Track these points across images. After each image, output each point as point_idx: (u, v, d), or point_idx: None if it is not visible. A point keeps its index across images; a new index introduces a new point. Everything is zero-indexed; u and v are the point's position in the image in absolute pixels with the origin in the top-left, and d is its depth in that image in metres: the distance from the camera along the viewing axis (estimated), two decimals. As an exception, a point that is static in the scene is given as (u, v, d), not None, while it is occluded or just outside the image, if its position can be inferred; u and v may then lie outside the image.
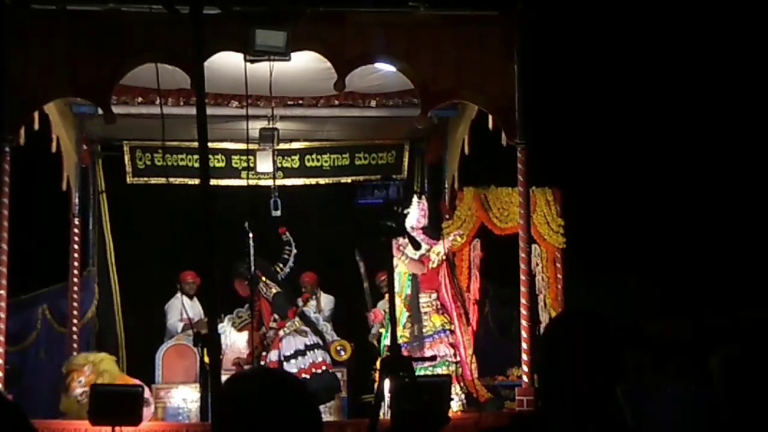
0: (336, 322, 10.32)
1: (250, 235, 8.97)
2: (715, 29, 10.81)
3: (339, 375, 9.45)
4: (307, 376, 8.77)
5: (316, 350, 9.13)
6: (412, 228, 8.70)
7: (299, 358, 9.03)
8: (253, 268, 8.99)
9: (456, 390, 8.57)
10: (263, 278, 9.22)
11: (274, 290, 9.24)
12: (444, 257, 8.88)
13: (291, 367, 8.79)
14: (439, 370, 8.55)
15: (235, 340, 9.85)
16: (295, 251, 9.49)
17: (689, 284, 10.54)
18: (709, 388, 2.74)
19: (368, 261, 9.94)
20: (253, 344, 9.11)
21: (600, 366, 2.50)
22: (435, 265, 8.81)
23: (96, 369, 8.64)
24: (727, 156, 11.14)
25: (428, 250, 8.79)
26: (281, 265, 9.46)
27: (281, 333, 9.14)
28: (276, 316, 9.18)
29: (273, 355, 9.08)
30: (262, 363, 9.08)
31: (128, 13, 7.99)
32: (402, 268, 8.73)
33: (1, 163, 7.98)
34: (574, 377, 2.50)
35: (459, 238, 9.17)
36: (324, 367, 9.10)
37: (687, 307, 10.18)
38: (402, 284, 8.79)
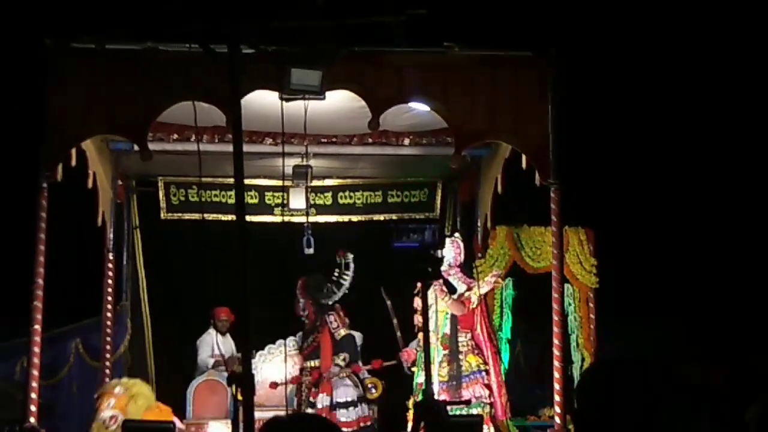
0: (366, 360, 10.29)
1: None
2: (753, 71, 10.76)
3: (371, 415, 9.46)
4: (354, 429, 8.79)
5: (363, 403, 9.15)
6: (450, 266, 8.70)
7: (350, 408, 9.03)
8: (337, 299, 9.09)
9: (488, 431, 8.50)
10: (340, 314, 9.29)
11: (343, 332, 9.28)
12: (483, 298, 8.85)
13: (342, 416, 8.78)
14: (473, 411, 8.49)
15: (266, 377, 9.86)
16: (352, 275, 9.60)
17: (724, 328, 10.42)
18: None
19: (392, 299, 9.95)
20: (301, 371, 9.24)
21: (635, 416, 2.50)
22: (475, 306, 8.78)
23: (128, 392, 8.48)
24: (762, 200, 11.05)
25: (467, 290, 8.76)
26: (335, 288, 9.51)
27: (335, 378, 9.15)
28: (343, 357, 9.23)
29: (324, 400, 9.06)
30: (312, 400, 9.12)
31: (166, 52, 8.06)
32: (441, 307, 8.70)
33: (38, 198, 8.05)
34: (610, 427, 2.49)
35: (501, 280, 9.17)
36: (369, 422, 9.12)
37: (722, 352, 10.06)
38: (439, 323, 8.75)
